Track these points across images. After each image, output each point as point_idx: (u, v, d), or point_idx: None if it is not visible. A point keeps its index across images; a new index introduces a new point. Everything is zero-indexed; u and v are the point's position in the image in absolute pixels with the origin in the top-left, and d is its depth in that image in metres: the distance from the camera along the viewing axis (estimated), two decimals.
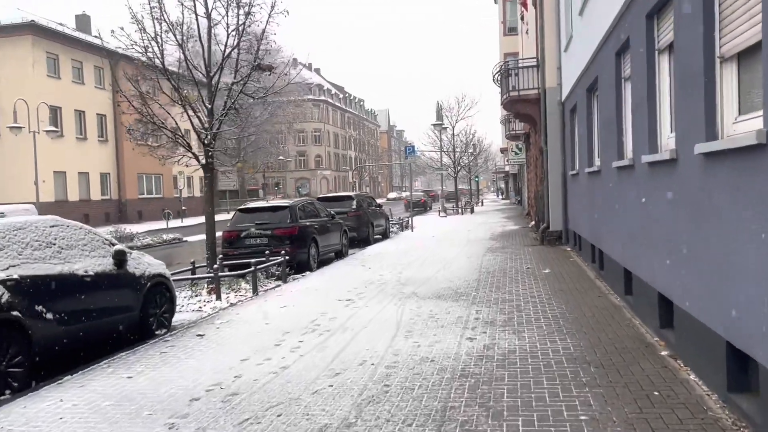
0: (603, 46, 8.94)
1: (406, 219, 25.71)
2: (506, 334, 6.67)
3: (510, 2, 33.40)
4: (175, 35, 10.52)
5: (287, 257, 12.79)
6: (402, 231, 24.76)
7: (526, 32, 23.19)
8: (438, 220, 32.18)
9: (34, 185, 30.92)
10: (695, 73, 4.72)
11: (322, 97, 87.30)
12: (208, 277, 10.77)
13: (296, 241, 13.44)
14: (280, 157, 69.67)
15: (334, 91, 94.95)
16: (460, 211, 39.19)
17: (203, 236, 14.03)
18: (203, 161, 11.38)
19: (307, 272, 13.21)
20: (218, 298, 10.39)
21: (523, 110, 17.40)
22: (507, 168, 55.12)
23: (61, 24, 39.98)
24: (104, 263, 7.04)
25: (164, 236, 24.52)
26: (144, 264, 7.74)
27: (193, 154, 11.24)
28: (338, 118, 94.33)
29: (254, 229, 13.41)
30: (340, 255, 16.35)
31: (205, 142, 11.23)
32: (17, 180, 34.00)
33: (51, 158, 35.22)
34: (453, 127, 40.20)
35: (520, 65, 17.00)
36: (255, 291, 10.81)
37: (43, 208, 34.79)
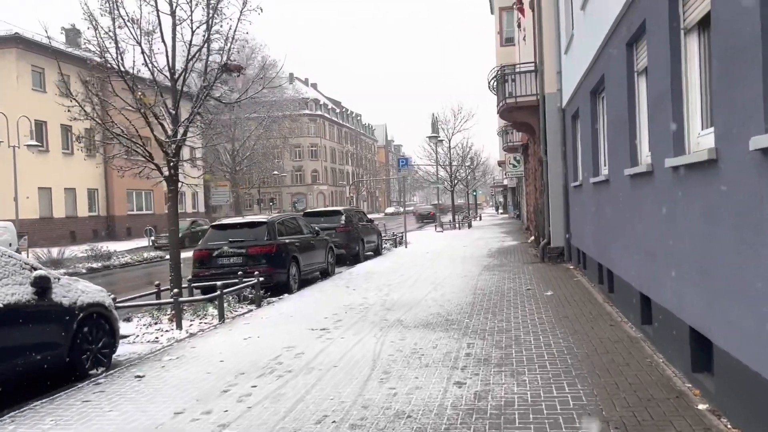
0: (611, 38, 7.85)
1: (400, 235, 24.55)
2: (503, 378, 5.49)
3: (507, 12, 32.54)
4: (131, 31, 9.43)
5: (263, 278, 11.63)
6: (396, 247, 23.60)
7: (524, 39, 22.19)
8: (434, 235, 31.03)
9: (14, 202, 29.82)
10: (742, 50, 3.60)
11: (319, 112, 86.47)
12: (167, 303, 9.58)
13: (274, 260, 12.26)
14: (275, 172, 68.69)
15: (330, 105, 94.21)
16: (457, 225, 38.06)
17: (189, 253, 12.88)
18: (166, 173, 10.23)
19: (286, 294, 12.02)
20: (179, 326, 9.21)
21: (521, 118, 16.32)
22: (505, 181, 54.12)
23: (48, 37, 39.02)
24: (21, 292, 5.87)
25: (145, 254, 23.32)
26: (76, 291, 6.57)
27: (155, 165, 10.11)
28: (335, 132, 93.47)
29: (227, 247, 12.23)
30: (325, 274, 15.18)
31: (168, 152, 10.10)
32: (1, 197, 32.83)
33: (36, 174, 34.08)
34: (449, 140, 39.19)
35: (517, 70, 15.95)
36: (222, 318, 9.62)
37: (26, 226, 33.76)
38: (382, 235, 22.79)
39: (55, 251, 21.54)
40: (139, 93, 9.35)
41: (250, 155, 64.88)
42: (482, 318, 8.35)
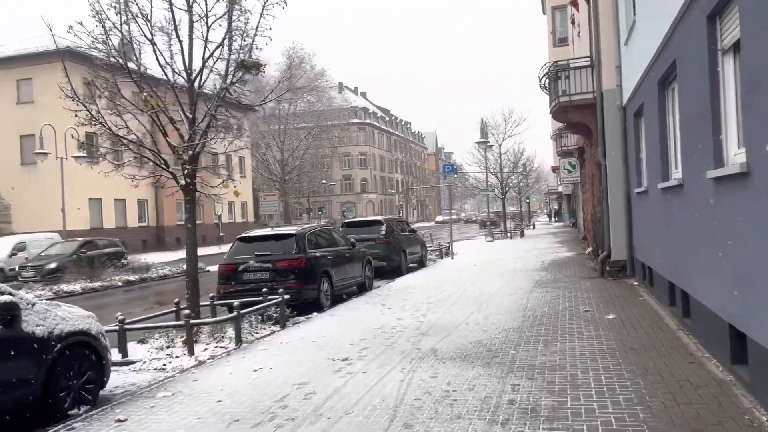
0: (686, 12, 6.52)
1: (446, 245, 23.30)
2: None
3: (559, 11, 31.04)
4: (141, 28, 8.66)
5: (292, 295, 10.68)
6: (441, 258, 22.36)
7: (578, 35, 20.72)
8: (483, 245, 29.62)
9: (61, 213, 30.07)
10: None
11: (368, 120, 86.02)
12: (178, 326, 8.71)
13: (303, 275, 11.29)
14: (323, 181, 68.40)
15: (380, 114, 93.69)
16: (508, 235, 36.46)
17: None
18: (182, 182, 9.41)
19: (315, 313, 11.01)
20: (190, 352, 8.32)
21: (576, 118, 14.90)
22: (560, 188, 52.00)
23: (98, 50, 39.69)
24: None
25: (184, 266, 22.76)
26: (54, 319, 5.70)
27: (170, 173, 9.30)
28: (384, 141, 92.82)
29: (253, 261, 11.34)
30: (362, 289, 14.14)
31: (185, 157, 9.27)
32: (52, 208, 33.22)
33: (86, 185, 34.45)
34: (500, 146, 37.66)
35: (571, 66, 14.56)
36: (239, 341, 8.68)
37: (76, 237, 34.17)
38: (427, 245, 21.57)
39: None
40: (145, 93, 8.55)
41: (299, 165, 64.93)
42: (531, 348, 7.10)
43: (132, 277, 19.50)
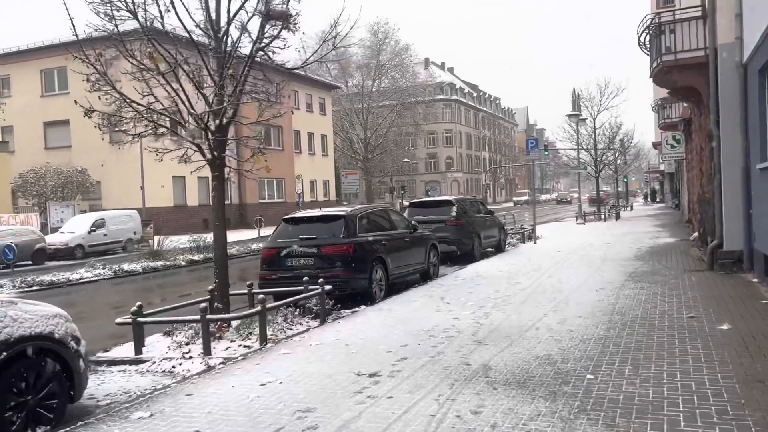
0: None
1: (529, 229, 21.28)
2: None
3: None
4: None
5: (336, 285, 9.40)
6: (523, 243, 20.41)
7: None
8: (573, 228, 27.19)
9: (141, 190, 30.50)
10: None
11: (455, 97, 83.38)
12: (193, 321, 7.60)
13: (351, 263, 9.95)
14: (405, 160, 66.98)
15: (467, 89, 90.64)
16: (602, 217, 33.60)
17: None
18: (209, 156, 8.26)
19: (363, 306, 9.66)
20: (206, 351, 7.20)
21: (683, 81, 12.52)
22: (662, 166, 47.85)
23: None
24: None
25: (253, 246, 22.22)
26: (2, 320, 4.63)
27: (196, 145, 8.17)
28: (471, 117, 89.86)
29: (297, 245, 10.11)
30: (426, 276, 12.66)
31: (210, 128, 8.10)
32: (136, 186, 33.88)
33: (171, 163, 34.83)
34: (594, 119, 34.62)
35: (677, 17, 12.19)
36: (263, 341, 7.47)
37: (161, 214, 34.74)
38: (504, 228, 19.65)
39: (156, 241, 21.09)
40: (149, 50, 7.39)
41: (382, 143, 63.74)
42: (616, 372, 5.38)
43: (197, 257, 19.03)
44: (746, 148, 10.60)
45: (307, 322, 8.71)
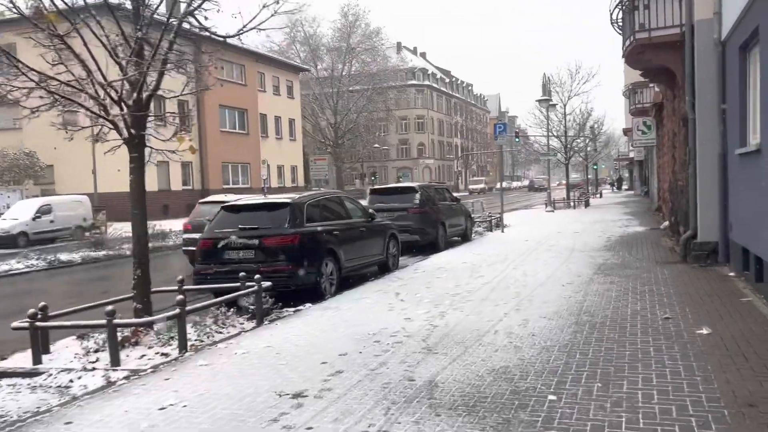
0: None
1: (497, 217, 20.51)
2: None
3: None
4: None
5: (279, 280, 8.46)
6: (491, 231, 19.64)
7: None
8: (543, 216, 26.58)
9: (92, 174, 29.02)
10: None
11: (426, 82, 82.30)
12: (98, 326, 6.58)
13: (297, 256, 8.97)
14: (375, 145, 65.90)
15: (439, 75, 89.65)
16: (572, 204, 33.10)
17: None
18: (125, 134, 7.18)
19: (308, 304, 8.71)
20: (113, 362, 6.18)
21: (657, 60, 11.74)
22: (631, 154, 47.67)
23: None
24: None
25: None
26: None
27: (110, 121, 7.10)
28: (443, 103, 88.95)
29: (236, 236, 9.10)
30: (385, 269, 11.76)
31: (126, 101, 7.02)
32: (90, 170, 32.23)
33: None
34: (564, 105, 34.00)
35: None
36: (182, 348, 6.49)
37: (119, 199, 33.16)
38: (471, 216, 18.85)
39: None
40: (32, 1, 6.27)
41: (352, 128, 62.48)
42: (582, 392, 4.54)
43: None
44: (723, 132, 9.89)
45: (242, 323, 7.74)
